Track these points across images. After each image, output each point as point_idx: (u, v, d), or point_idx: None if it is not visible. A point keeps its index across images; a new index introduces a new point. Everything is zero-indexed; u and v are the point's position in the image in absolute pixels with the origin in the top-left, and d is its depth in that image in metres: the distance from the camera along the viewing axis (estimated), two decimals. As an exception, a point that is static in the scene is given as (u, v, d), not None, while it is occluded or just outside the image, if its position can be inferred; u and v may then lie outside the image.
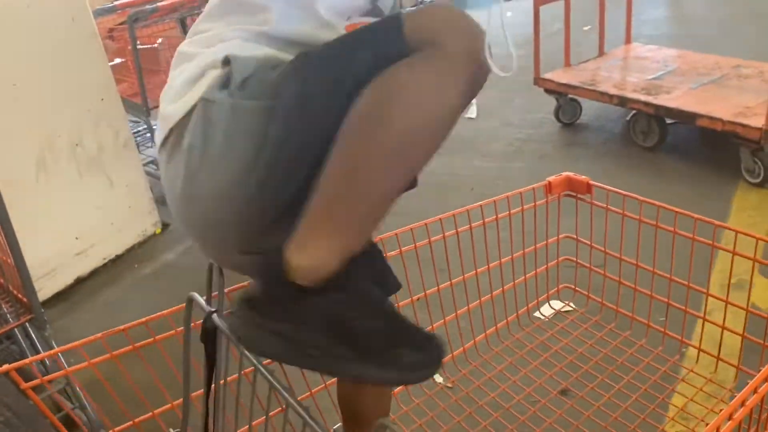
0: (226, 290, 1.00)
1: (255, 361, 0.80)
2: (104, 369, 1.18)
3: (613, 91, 3.15)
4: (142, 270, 2.79)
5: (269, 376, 0.75)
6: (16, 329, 1.95)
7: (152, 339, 1.19)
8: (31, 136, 2.48)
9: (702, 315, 1.60)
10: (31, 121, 2.46)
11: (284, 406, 0.75)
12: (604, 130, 3.44)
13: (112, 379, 1.22)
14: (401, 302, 1.49)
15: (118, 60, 3.34)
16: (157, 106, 3.15)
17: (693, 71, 3.23)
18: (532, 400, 1.62)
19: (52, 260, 2.58)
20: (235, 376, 0.98)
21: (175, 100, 0.86)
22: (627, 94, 3.09)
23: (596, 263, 1.78)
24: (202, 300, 0.92)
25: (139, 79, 3.05)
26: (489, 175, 3.12)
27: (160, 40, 3.33)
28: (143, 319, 1.17)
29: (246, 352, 0.82)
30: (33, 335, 2.02)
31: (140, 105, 3.14)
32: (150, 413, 1.22)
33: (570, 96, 3.44)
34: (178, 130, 0.85)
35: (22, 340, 1.98)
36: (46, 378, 1.12)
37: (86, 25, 2.63)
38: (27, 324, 1.91)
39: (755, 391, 0.81)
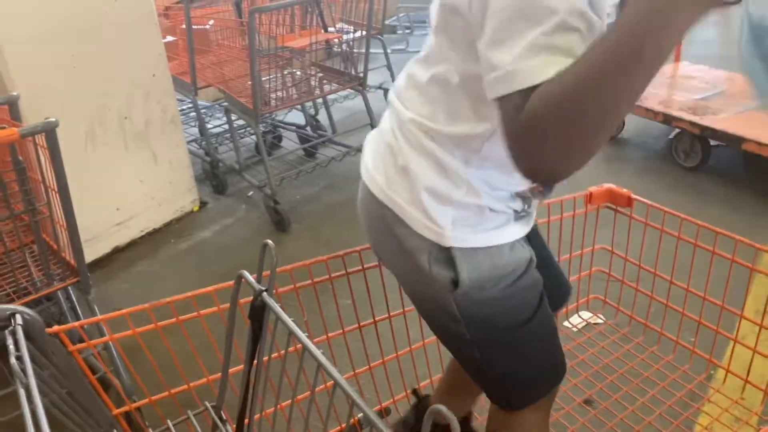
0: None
1: (304, 340, 0.83)
2: (143, 339, 1.21)
3: (658, 108, 3.12)
4: (178, 245, 2.85)
5: (319, 354, 0.78)
6: (58, 291, 2.03)
7: (196, 313, 1.22)
8: (83, 106, 2.55)
9: (734, 337, 1.60)
10: (85, 91, 2.54)
11: (325, 385, 0.77)
12: (645, 146, 3.42)
13: (150, 348, 1.25)
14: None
15: (169, 38, 3.40)
16: (204, 86, 3.21)
17: (741, 94, 3.19)
18: (556, 407, 1.64)
19: (93, 228, 2.65)
20: (277, 354, 1.01)
21: None
22: (672, 112, 3.07)
23: (629, 277, 1.78)
24: (252, 278, 0.94)
25: (191, 59, 3.11)
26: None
27: (211, 22, 3.39)
28: (189, 294, 1.20)
29: (296, 331, 0.85)
30: (73, 298, 2.10)
31: (188, 84, 3.20)
32: (186, 385, 1.25)
33: (613, 109, 3.41)
34: None
35: (63, 302, 2.06)
36: (93, 342, 1.16)
37: (146, 2, 2.69)
38: (69, 287, 1.99)
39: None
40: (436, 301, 1.00)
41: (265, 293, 0.91)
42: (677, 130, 3.11)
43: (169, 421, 1.07)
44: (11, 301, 1.65)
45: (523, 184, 0.97)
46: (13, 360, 0.67)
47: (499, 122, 0.71)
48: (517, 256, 1.00)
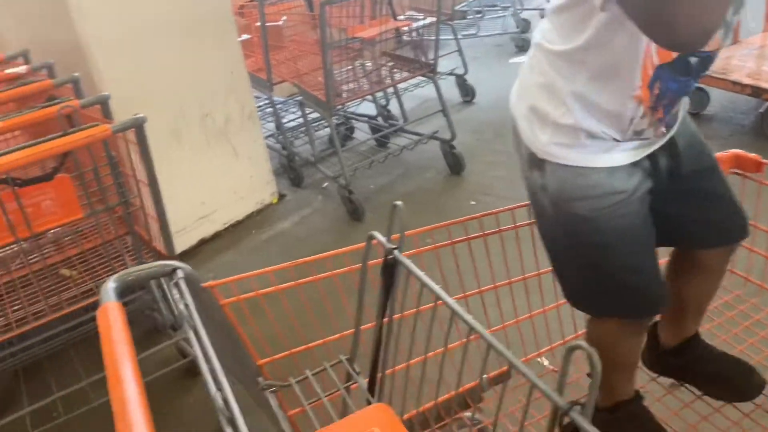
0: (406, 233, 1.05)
1: (438, 291, 0.85)
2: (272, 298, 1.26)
3: (746, 80, 2.96)
4: (259, 236, 2.96)
5: (457, 307, 0.81)
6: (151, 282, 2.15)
7: (330, 273, 1.23)
8: (167, 105, 2.68)
9: None
10: (169, 90, 2.67)
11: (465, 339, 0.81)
12: (732, 122, 3.25)
13: (275, 308, 1.28)
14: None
15: (245, 36, 3.51)
16: (279, 82, 3.30)
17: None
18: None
19: (180, 221, 2.79)
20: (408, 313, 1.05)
21: None
22: (762, 84, 2.90)
23: (759, 245, 1.69)
24: (383, 238, 0.98)
25: (265, 56, 3.20)
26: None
27: (284, 18, 3.48)
28: (324, 254, 1.22)
29: (429, 283, 0.88)
30: (164, 287, 2.22)
31: (264, 81, 3.30)
32: (321, 340, 1.28)
33: (697, 85, 3.27)
34: None
35: (155, 291, 2.18)
36: (242, 297, 1.19)
37: (223, 2, 2.80)
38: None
39: None
40: (536, 202, 1.14)
41: (396, 251, 0.95)
42: (767, 103, 2.95)
43: (308, 371, 1.13)
44: (109, 289, 1.77)
45: (629, 108, 1.02)
46: (181, 306, 0.76)
47: (629, 10, 0.83)
48: (614, 183, 1.05)
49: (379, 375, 1.03)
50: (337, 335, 1.27)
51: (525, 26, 5.24)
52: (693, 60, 0.99)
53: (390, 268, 0.96)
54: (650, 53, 0.97)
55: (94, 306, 2.02)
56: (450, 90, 4.17)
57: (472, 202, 2.91)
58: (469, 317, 0.80)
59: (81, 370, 1.97)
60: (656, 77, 0.99)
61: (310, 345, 1.24)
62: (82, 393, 1.85)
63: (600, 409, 1.20)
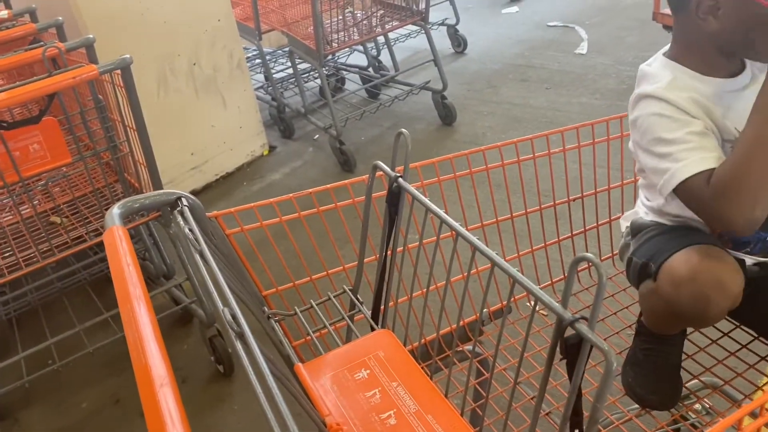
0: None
1: (442, 215, 0.85)
2: (275, 230, 1.23)
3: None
4: (250, 187, 2.94)
5: (461, 228, 0.81)
6: (142, 229, 2.14)
7: (334, 204, 1.21)
8: (154, 53, 2.62)
9: None
10: (155, 37, 2.61)
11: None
12: None
13: (279, 240, 1.27)
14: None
15: (232, -15, 3.43)
16: (268, 30, 3.23)
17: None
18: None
19: (170, 172, 2.76)
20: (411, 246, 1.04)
21: None
22: None
23: None
24: (386, 167, 0.98)
25: (254, 3, 3.13)
26: (597, 113, 3.03)
27: (272, -34, 3.39)
28: (328, 186, 1.20)
29: (435, 210, 0.87)
30: (155, 235, 2.21)
31: (253, 29, 3.23)
32: (325, 272, 1.26)
33: None
34: None
35: (146, 238, 2.17)
36: (247, 227, 1.17)
37: (207, -53, 2.72)
38: (151, 224, 2.09)
39: None
40: None
41: (400, 179, 0.96)
42: None
43: (312, 301, 1.13)
44: (99, 235, 1.76)
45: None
46: (187, 231, 0.76)
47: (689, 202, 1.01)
48: None
49: (382, 307, 1.04)
50: (340, 267, 1.27)
51: (518, -24, 5.14)
52: None
53: (395, 197, 0.96)
54: None
55: (85, 255, 2.02)
56: (441, 41, 4.11)
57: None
58: (472, 237, 0.80)
59: (75, 317, 1.97)
60: (724, 233, 1.10)
61: (314, 277, 1.24)
62: (76, 339, 1.86)
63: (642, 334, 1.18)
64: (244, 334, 0.62)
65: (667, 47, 1.11)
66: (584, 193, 1.45)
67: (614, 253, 1.42)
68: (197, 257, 0.76)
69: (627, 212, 1.26)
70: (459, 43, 4.12)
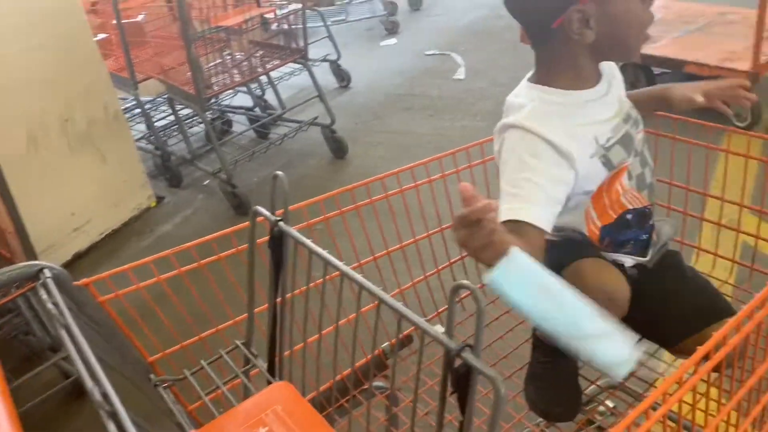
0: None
1: (338, 264, 0.82)
2: (157, 291, 1.14)
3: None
4: (140, 243, 2.80)
5: (346, 268, 0.79)
6: (20, 302, 1.98)
7: (217, 256, 1.16)
8: (20, 111, 2.47)
9: (701, 216, 1.53)
10: (21, 97, 2.46)
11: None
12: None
13: (162, 300, 1.20)
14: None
15: (102, 35, 3.30)
16: (144, 79, 3.13)
17: (678, 20, 3.23)
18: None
19: (49, 236, 2.58)
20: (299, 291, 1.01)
21: None
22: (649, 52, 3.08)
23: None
24: (266, 211, 0.94)
25: (126, 54, 3.03)
26: (479, 135, 3.11)
27: (143, 14, 3.30)
28: (208, 237, 1.15)
29: (319, 252, 0.85)
30: (35, 306, 2.05)
31: (128, 79, 3.12)
32: (214, 328, 1.19)
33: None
34: None
35: (25, 311, 2.01)
36: (121, 292, 1.09)
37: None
38: (29, 294, 1.94)
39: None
40: None
41: (281, 222, 0.92)
42: (619, 64, 3.14)
43: (202, 361, 1.06)
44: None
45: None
46: (50, 305, 0.70)
47: None
48: None
49: (278, 356, 1.00)
50: (230, 321, 1.22)
51: (393, 8, 5.29)
52: (629, 216, 1.11)
53: (277, 241, 0.94)
54: (591, 217, 1.10)
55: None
56: (325, 76, 4.15)
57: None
58: (358, 276, 0.78)
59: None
60: (603, 235, 1.11)
61: (203, 335, 1.18)
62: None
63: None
64: (117, 413, 0.58)
65: (530, 74, 1.12)
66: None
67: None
68: (63, 333, 0.70)
69: None
70: (343, 78, 4.17)
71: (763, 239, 1.33)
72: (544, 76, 1.07)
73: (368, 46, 4.99)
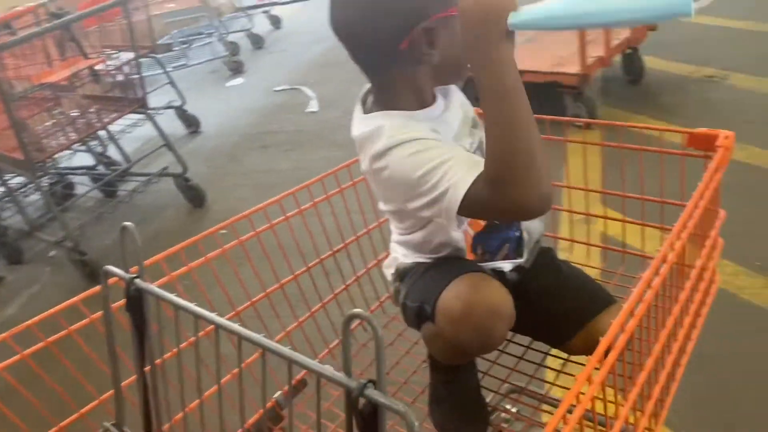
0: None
1: (210, 317, 0.72)
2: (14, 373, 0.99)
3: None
4: (-21, 332, 2.46)
5: (233, 326, 0.68)
6: None
7: (66, 331, 1.00)
8: None
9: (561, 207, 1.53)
10: None
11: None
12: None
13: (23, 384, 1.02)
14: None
15: None
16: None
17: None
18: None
19: None
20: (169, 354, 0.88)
21: None
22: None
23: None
24: (119, 270, 0.83)
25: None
26: (338, 164, 3.10)
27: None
28: (52, 311, 0.99)
29: (189, 308, 0.74)
30: None
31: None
32: (77, 413, 1.03)
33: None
34: None
35: None
36: None
37: None
38: None
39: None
40: None
41: (137, 280, 0.82)
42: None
43: None
44: None
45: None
46: None
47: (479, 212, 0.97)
48: None
49: (156, 431, 0.87)
50: (95, 402, 1.06)
51: (235, 48, 5.20)
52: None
53: (135, 302, 0.83)
54: (465, 229, 1.09)
55: None
56: (172, 124, 3.96)
57: (223, 232, 2.76)
58: (235, 326, 0.69)
59: None
60: (475, 244, 1.10)
61: (62, 424, 1.01)
62: None
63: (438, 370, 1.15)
64: None
65: (359, 109, 1.07)
66: (346, 242, 1.41)
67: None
68: None
69: (386, 260, 1.23)
70: (191, 123, 4.00)
71: (630, 221, 1.37)
72: (384, 104, 1.03)
73: (215, 88, 4.85)
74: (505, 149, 0.85)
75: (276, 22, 6.14)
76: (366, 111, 1.05)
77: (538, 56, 3.05)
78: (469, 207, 0.91)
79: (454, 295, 0.98)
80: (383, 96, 1.03)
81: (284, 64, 5.01)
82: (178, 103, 3.95)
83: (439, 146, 0.94)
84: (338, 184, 1.41)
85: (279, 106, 4.16)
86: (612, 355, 0.70)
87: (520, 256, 1.15)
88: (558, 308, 1.11)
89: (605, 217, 1.43)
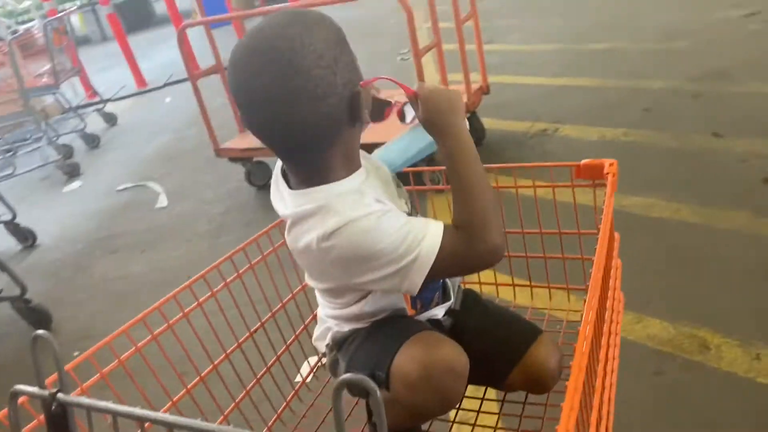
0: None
1: (152, 414, 0.62)
2: None
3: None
4: None
5: (168, 417, 0.59)
6: None
7: None
8: None
9: None
10: None
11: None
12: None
13: None
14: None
15: None
16: None
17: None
18: None
19: None
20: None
21: None
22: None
23: None
24: (32, 388, 0.69)
25: None
26: (202, 257, 2.94)
27: None
28: None
29: (124, 410, 0.63)
30: None
31: None
32: None
33: (255, 159, 3.46)
34: None
35: None
36: None
37: None
38: None
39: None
40: None
41: (60, 394, 0.69)
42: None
43: None
44: None
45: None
46: None
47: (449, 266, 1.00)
48: None
49: None
50: None
51: (68, 151, 4.89)
52: None
53: (60, 420, 0.69)
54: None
55: None
56: (4, 240, 3.58)
57: (75, 353, 2.47)
58: (170, 417, 0.60)
59: None
60: (413, 300, 1.13)
61: None
62: None
63: None
64: None
65: (283, 184, 1.04)
66: (252, 330, 1.36)
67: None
68: None
69: (316, 333, 1.22)
70: (26, 237, 3.63)
71: (552, 257, 1.43)
72: (318, 178, 0.99)
73: (49, 195, 4.49)
74: (476, 203, 0.97)
75: (111, 119, 5.87)
76: (294, 187, 1.02)
77: (385, 129, 3.12)
78: (439, 265, 0.96)
79: (408, 358, 0.98)
80: (315, 170, 0.99)
81: (125, 161, 4.76)
82: (8, 217, 3.57)
83: (391, 216, 0.97)
84: (235, 269, 1.36)
85: (125, 206, 3.91)
86: (577, 385, 0.68)
87: (449, 299, 1.19)
88: (493, 347, 1.13)
89: (513, 285, 1.51)
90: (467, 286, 1.35)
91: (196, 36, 4.72)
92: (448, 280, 1.19)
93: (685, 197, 2.38)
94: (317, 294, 1.17)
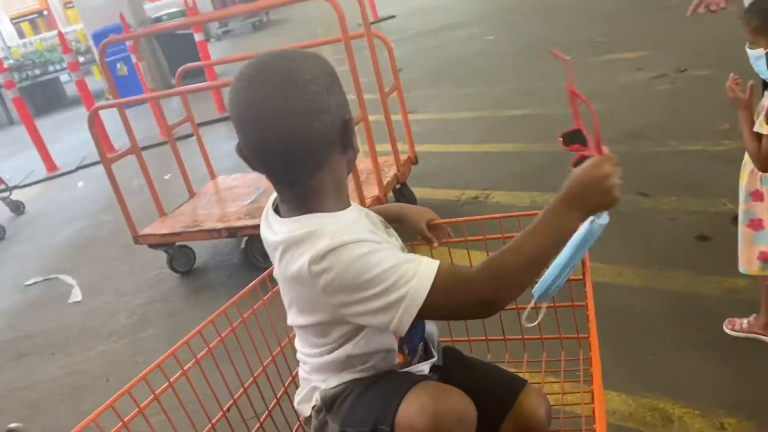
0: None
1: None
2: None
3: (219, 225, 3.08)
4: None
5: None
6: None
7: None
8: None
9: None
10: None
11: None
12: (224, 265, 3.34)
13: None
14: None
15: None
16: None
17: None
18: None
19: None
20: None
21: None
22: (233, 223, 3.06)
23: None
24: None
25: None
26: (121, 356, 2.68)
27: None
28: None
29: None
30: None
31: None
32: None
33: (178, 244, 3.26)
34: None
35: None
36: None
37: None
38: None
39: None
40: None
41: None
42: (246, 237, 3.11)
43: None
44: None
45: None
46: None
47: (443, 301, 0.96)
48: None
49: None
50: None
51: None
52: None
53: None
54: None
55: None
56: None
57: None
58: None
59: None
60: (401, 342, 1.12)
61: None
62: None
63: None
64: None
65: (273, 215, 1.06)
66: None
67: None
68: None
69: (298, 396, 1.18)
70: None
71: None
72: (313, 205, 1.02)
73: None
74: (521, 260, 0.96)
75: (17, 207, 5.48)
76: (285, 215, 1.04)
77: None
78: (431, 304, 0.93)
79: (417, 408, 0.97)
80: (307, 196, 1.02)
81: (34, 253, 4.41)
82: None
83: (385, 248, 0.96)
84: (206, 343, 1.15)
85: (33, 303, 3.59)
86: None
87: (431, 356, 1.19)
88: (482, 397, 1.11)
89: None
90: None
91: (111, 116, 4.52)
92: (427, 338, 1.19)
93: (625, 259, 2.37)
94: (299, 344, 1.14)
